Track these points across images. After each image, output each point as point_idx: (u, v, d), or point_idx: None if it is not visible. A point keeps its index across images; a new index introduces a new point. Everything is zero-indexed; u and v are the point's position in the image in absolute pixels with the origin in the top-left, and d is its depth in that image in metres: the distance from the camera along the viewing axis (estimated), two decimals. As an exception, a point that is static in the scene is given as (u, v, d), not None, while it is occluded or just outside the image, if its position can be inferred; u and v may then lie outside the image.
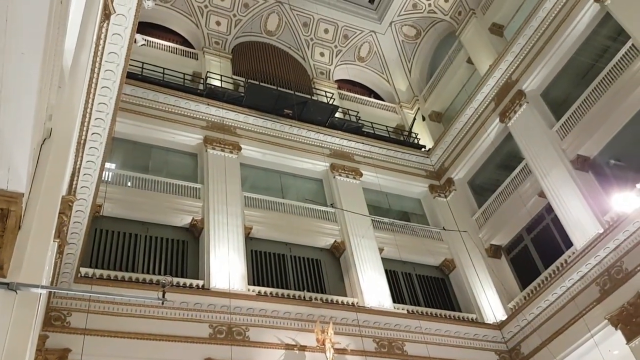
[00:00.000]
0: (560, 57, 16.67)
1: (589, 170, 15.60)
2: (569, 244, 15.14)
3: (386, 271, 16.36)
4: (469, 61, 21.00)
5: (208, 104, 17.77)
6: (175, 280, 13.20)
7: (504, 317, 16.27)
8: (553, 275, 15.06)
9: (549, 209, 16.30)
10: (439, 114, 22.95)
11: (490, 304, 16.66)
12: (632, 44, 14.34)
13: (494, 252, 18.10)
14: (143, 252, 14.22)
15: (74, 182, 9.27)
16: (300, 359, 13.11)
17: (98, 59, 7.95)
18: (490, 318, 16.38)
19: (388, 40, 24.27)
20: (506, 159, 18.77)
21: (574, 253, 14.62)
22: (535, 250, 17.14)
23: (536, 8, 17.06)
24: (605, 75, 14.99)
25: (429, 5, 22.64)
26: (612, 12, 14.95)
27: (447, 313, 16.33)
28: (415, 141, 21.95)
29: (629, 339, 12.74)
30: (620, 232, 13.36)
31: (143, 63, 17.84)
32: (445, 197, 19.87)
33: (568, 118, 15.95)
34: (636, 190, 13.10)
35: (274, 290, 14.32)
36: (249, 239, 15.49)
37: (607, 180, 15.18)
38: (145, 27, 19.78)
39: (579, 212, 14.75)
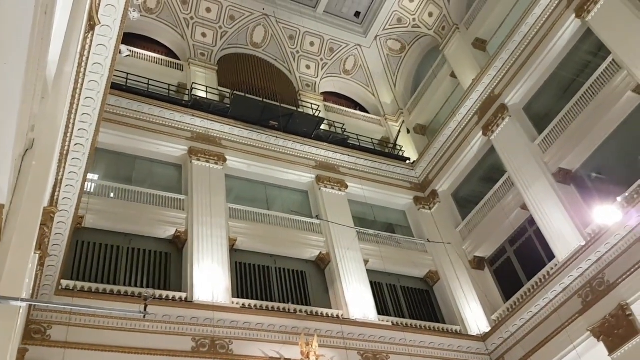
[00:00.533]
0: (543, 72, 16.93)
1: (570, 183, 15.80)
2: (551, 256, 15.28)
3: (371, 283, 16.35)
4: (453, 75, 21.25)
5: (193, 115, 17.72)
6: (158, 292, 13.03)
7: (488, 329, 16.33)
8: (536, 287, 15.17)
9: (531, 221, 16.47)
10: (423, 127, 23.15)
11: (474, 316, 16.73)
12: (613, 59, 14.61)
13: (478, 263, 18.21)
14: (125, 264, 14.05)
15: (56, 193, 9.18)
16: (285, 372, 13.03)
17: (82, 69, 7.91)
18: (474, 330, 16.43)
19: (373, 53, 24.49)
20: (489, 172, 18.97)
21: (556, 265, 14.76)
22: (518, 262, 17.28)
23: (519, 23, 17.34)
24: (586, 90, 15.25)
25: (414, 20, 22.92)
26: (593, 28, 15.24)
27: (431, 325, 16.35)
28: (400, 153, 22.09)
29: (611, 350, 12.84)
30: (602, 244, 13.51)
31: (128, 74, 17.76)
32: (430, 209, 19.97)
33: (550, 132, 16.17)
34: (617, 203, 13.29)
35: (259, 303, 14.22)
36: (233, 250, 15.40)
37: (589, 193, 15.38)
38: (130, 38, 19.71)
39: (561, 225, 14.91)
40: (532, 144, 16.63)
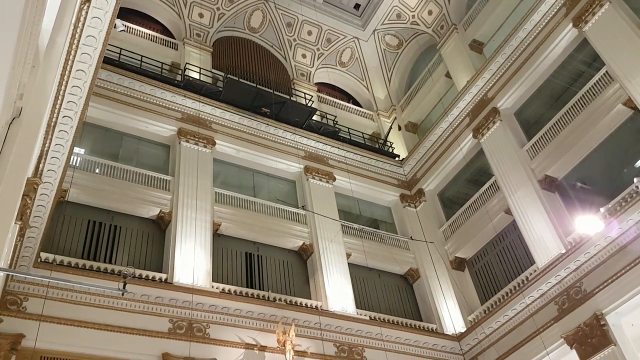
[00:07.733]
0: (536, 78, 17.00)
1: (555, 191, 15.94)
2: (531, 261, 15.43)
3: (352, 276, 16.40)
4: (448, 75, 21.28)
5: (185, 96, 17.55)
6: (138, 272, 12.96)
7: (464, 329, 16.49)
8: (514, 291, 15.33)
9: (514, 226, 16.59)
10: (414, 124, 23.19)
11: (451, 316, 16.88)
12: (606, 71, 14.71)
13: (458, 264, 18.35)
14: (106, 241, 13.95)
15: (41, 165, 9.07)
16: (260, 359, 13.05)
17: (75, 41, 7.79)
18: (449, 329, 16.59)
19: (370, 47, 24.43)
20: (476, 174, 19.07)
21: (535, 271, 14.91)
22: (498, 266, 17.44)
23: (517, 28, 17.38)
24: (577, 100, 15.35)
25: (413, 16, 22.87)
26: (589, 38, 15.32)
27: (408, 322, 16.47)
28: (390, 150, 22.11)
29: (583, 358, 13.02)
30: (582, 253, 13.67)
31: (121, 49, 17.54)
32: (415, 207, 20.05)
33: (539, 139, 16.27)
34: (600, 214, 13.44)
35: (239, 289, 14.22)
36: (216, 235, 15.35)
37: (572, 202, 15.53)
38: (126, 13, 19.45)
39: (543, 231, 15.05)
40: (521, 149, 16.73)
